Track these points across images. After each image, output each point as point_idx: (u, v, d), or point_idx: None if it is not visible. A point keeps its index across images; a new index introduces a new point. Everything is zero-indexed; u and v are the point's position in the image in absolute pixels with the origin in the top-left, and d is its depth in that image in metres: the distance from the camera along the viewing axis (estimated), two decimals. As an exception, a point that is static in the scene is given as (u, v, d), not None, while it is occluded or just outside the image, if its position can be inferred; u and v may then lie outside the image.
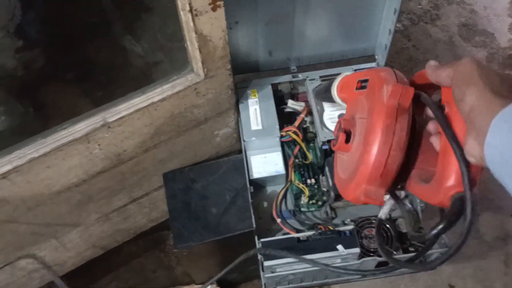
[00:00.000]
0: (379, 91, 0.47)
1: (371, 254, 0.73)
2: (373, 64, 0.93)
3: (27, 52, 1.23)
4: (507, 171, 0.34)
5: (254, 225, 0.78)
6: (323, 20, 0.86)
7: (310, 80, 0.91)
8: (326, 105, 0.84)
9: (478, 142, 0.36)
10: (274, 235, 0.79)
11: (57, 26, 1.23)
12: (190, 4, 0.62)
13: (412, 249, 0.77)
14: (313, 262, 0.67)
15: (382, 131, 0.45)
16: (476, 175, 0.40)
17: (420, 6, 1.59)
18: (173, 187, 0.89)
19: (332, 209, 0.84)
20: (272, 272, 0.72)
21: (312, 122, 0.90)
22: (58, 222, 0.84)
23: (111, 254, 1.08)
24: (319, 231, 0.71)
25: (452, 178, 0.42)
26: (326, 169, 0.82)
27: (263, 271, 0.72)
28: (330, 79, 0.82)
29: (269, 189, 0.88)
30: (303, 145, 0.87)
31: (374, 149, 0.46)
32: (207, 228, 0.85)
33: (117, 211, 0.94)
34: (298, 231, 0.78)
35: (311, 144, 0.90)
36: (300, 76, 0.92)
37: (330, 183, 0.81)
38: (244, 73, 0.93)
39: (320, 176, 0.85)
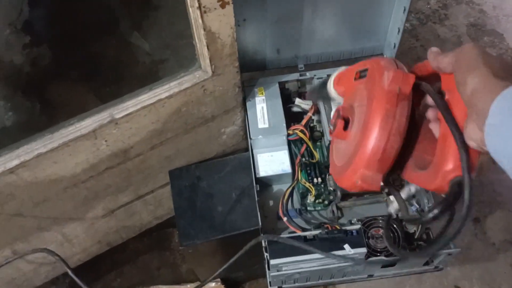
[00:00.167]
0: (380, 78, 0.47)
1: (378, 254, 0.73)
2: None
3: (35, 49, 1.24)
4: (506, 152, 0.34)
5: (260, 224, 0.78)
6: (331, 18, 0.86)
7: (317, 78, 0.90)
8: (334, 104, 0.84)
9: (479, 126, 0.37)
10: (279, 234, 0.79)
11: (64, 23, 1.24)
12: (199, 0, 0.62)
13: (419, 250, 0.77)
14: (325, 255, 0.66)
15: (382, 116, 0.46)
16: (474, 160, 0.41)
17: (428, 6, 1.57)
18: (179, 185, 0.89)
19: (339, 208, 0.83)
20: (278, 271, 0.72)
21: (319, 121, 0.89)
22: (64, 217, 0.85)
23: (116, 251, 1.08)
24: (326, 230, 0.71)
25: (450, 163, 0.42)
26: (333, 168, 0.82)
27: (269, 269, 0.71)
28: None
29: (275, 187, 0.88)
30: (310, 144, 0.86)
31: (374, 133, 0.46)
32: (213, 226, 0.84)
33: (123, 208, 0.94)
34: (304, 230, 0.77)
35: (318, 143, 0.89)
36: (308, 74, 0.92)
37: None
38: (252, 71, 0.92)
39: (327, 175, 0.85)
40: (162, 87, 0.74)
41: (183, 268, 1.13)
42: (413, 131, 0.49)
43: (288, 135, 0.86)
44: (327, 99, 0.68)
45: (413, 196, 0.82)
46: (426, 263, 0.79)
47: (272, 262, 0.69)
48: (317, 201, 0.83)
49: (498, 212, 1.19)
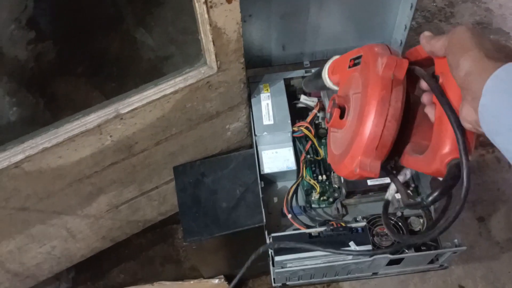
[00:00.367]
0: (374, 64, 0.47)
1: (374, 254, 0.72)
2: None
3: (39, 44, 1.24)
4: (499, 132, 0.34)
5: (265, 221, 0.77)
6: (337, 14, 0.85)
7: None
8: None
9: (473, 107, 0.37)
10: (283, 231, 0.79)
11: (69, 18, 1.23)
12: (205, -5, 0.62)
13: (424, 248, 0.76)
14: (333, 252, 0.66)
15: (378, 102, 0.46)
16: (471, 142, 0.41)
17: (434, 4, 1.56)
18: (183, 181, 0.89)
19: (343, 206, 0.83)
20: (283, 268, 0.72)
21: (324, 118, 0.89)
22: (68, 212, 0.85)
23: (120, 246, 1.08)
24: (331, 227, 0.71)
25: (447, 145, 0.42)
26: (338, 165, 0.82)
27: (273, 266, 0.71)
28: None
29: (280, 184, 0.88)
30: (315, 141, 0.86)
31: (370, 120, 0.46)
32: (217, 223, 0.84)
33: (127, 204, 0.94)
34: (308, 227, 0.77)
35: (323, 140, 0.89)
36: (313, 71, 0.91)
37: (342, 180, 0.80)
38: (257, 67, 0.92)
39: (332, 172, 0.84)
40: (167, 82, 0.74)
41: (187, 264, 1.13)
42: (409, 117, 0.49)
43: (293, 132, 0.85)
44: (323, 89, 0.68)
45: (409, 183, 0.82)
46: (431, 262, 0.79)
47: (277, 258, 0.69)
48: (321, 198, 0.83)
49: (503, 211, 1.18)
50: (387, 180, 0.79)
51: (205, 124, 0.87)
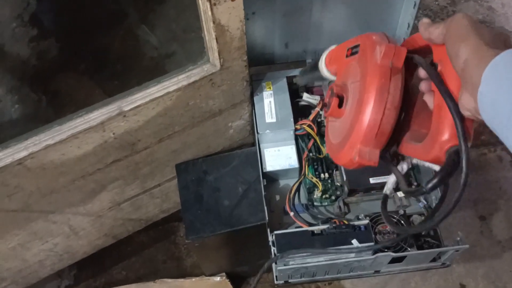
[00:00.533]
0: (372, 52, 0.47)
1: (386, 249, 0.72)
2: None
3: (42, 41, 1.24)
4: (498, 119, 0.34)
5: (267, 218, 0.78)
6: (340, 12, 0.85)
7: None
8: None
9: (472, 95, 0.37)
10: (286, 229, 0.79)
11: (72, 16, 1.23)
12: (209, -8, 0.62)
13: (427, 246, 0.76)
14: (338, 250, 0.66)
15: (377, 90, 0.46)
16: (470, 129, 0.41)
17: (437, 3, 1.56)
18: (186, 178, 0.89)
19: (345, 204, 0.83)
20: (285, 265, 0.72)
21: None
22: (71, 209, 0.85)
23: (122, 244, 1.09)
24: (334, 225, 0.71)
25: (446, 133, 0.42)
26: (341, 163, 0.82)
27: (276, 263, 0.71)
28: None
29: (282, 182, 0.88)
30: (317, 139, 0.86)
31: (369, 108, 0.46)
32: (219, 220, 0.84)
33: (130, 201, 0.94)
34: (310, 225, 0.77)
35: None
36: (309, 62, 0.91)
37: (344, 178, 0.80)
38: (260, 65, 0.92)
39: (334, 170, 0.85)
40: (170, 80, 0.74)
41: (188, 261, 1.13)
42: (408, 105, 0.49)
43: (296, 129, 0.85)
44: (319, 80, 0.68)
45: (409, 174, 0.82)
46: (433, 260, 0.79)
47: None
48: (324, 196, 0.83)
49: (504, 210, 1.18)
50: (390, 178, 0.79)
51: (208, 121, 0.87)
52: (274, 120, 0.85)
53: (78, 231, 0.92)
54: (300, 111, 0.89)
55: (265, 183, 0.81)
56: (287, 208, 0.80)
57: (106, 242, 1.03)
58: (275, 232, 0.72)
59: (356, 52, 0.52)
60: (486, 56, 0.36)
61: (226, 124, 0.91)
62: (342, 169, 0.81)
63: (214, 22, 0.66)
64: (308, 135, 0.87)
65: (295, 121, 0.85)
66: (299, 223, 0.78)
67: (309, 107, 0.90)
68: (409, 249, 0.74)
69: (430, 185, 0.43)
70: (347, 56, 0.55)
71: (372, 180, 0.78)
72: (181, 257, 1.13)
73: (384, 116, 0.46)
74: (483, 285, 1.09)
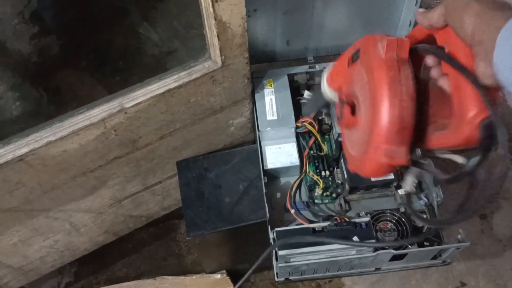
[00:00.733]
0: (374, 50, 0.45)
1: (386, 247, 0.72)
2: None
3: (43, 38, 1.24)
4: None
5: (268, 216, 0.78)
6: (342, 10, 0.85)
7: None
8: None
9: (488, 61, 0.36)
10: (286, 226, 0.79)
11: (72, 12, 1.23)
12: (210, -11, 0.62)
13: (427, 244, 0.76)
14: (345, 244, 0.65)
15: (388, 84, 0.43)
16: (495, 97, 0.39)
17: (437, 1, 1.56)
18: (187, 176, 0.89)
19: (346, 201, 0.83)
20: (286, 262, 0.72)
21: (328, 114, 0.89)
22: (72, 206, 0.85)
23: (123, 241, 1.09)
24: (335, 222, 0.71)
25: (472, 107, 0.40)
26: (342, 161, 0.82)
27: (276, 260, 0.71)
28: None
29: (283, 180, 0.88)
30: (318, 136, 0.86)
31: (385, 104, 0.43)
32: (220, 217, 0.84)
33: (131, 198, 0.94)
34: (311, 222, 0.77)
35: (326, 136, 0.89)
36: (317, 67, 0.91)
37: (345, 176, 0.80)
38: (261, 63, 0.92)
39: (335, 168, 0.85)
40: (171, 77, 0.74)
41: (189, 259, 1.13)
42: (422, 99, 0.47)
43: (297, 127, 0.85)
44: (325, 106, 0.66)
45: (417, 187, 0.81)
46: (434, 257, 0.79)
47: (281, 253, 0.69)
48: (324, 194, 0.83)
49: (505, 209, 1.18)
50: (390, 176, 0.79)
51: (209, 119, 0.87)
52: (275, 117, 0.85)
53: (79, 228, 0.92)
54: (301, 109, 0.89)
55: (266, 181, 0.81)
56: (288, 206, 0.80)
57: (107, 239, 1.03)
58: (276, 229, 0.72)
59: (357, 58, 0.50)
60: (493, 20, 0.35)
61: (227, 121, 0.91)
62: (343, 166, 0.81)
63: (215, 19, 0.66)
64: (309, 133, 0.87)
65: (296, 119, 0.85)
66: (300, 221, 0.78)
67: (310, 105, 0.90)
68: (410, 246, 0.74)
69: (473, 162, 0.41)
70: (349, 65, 0.52)
71: (373, 178, 0.78)
72: (182, 255, 1.13)
73: (402, 108, 0.43)
74: (483, 283, 1.09)
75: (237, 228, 0.84)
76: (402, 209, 0.79)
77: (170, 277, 1.07)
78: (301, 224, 0.77)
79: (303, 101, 0.87)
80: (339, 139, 0.81)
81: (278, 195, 0.86)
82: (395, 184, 0.80)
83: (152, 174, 0.92)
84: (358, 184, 0.79)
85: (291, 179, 0.85)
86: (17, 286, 0.98)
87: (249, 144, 0.97)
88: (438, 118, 0.47)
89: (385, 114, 0.43)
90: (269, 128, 0.84)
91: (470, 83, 0.39)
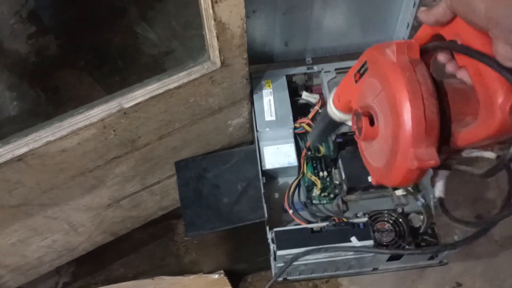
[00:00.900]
0: (384, 56, 0.44)
1: (384, 247, 0.73)
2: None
3: (40, 38, 1.24)
4: None
5: (266, 216, 0.78)
6: (341, 11, 0.85)
7: (325, 72, 0.90)
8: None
9: (507, 41, 0.35)
10: (285, 226, 0.79)
11: (70, 12, 1.23)
12: (210, -10, 0.62)
13: (424, 244, 0.77)
14: (345, 248, 0.66)
15: (407, 85, 0.42)
16: None
17: (434, 3, 1.57)
18: (185, 175, 0.89)
19: (344, 202, 0.84)
20: (284, 262, 0.72)
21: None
22: (71, 206, 0.85)
23: (121, 241, 1.09)
24: (333, 222, 0.71)
25: (500, 92, 0.38)
26: (339, 162, 0.82)
27: (275, 260, 0.72)
28: (345, 71, 0.82)
29: (281, 180, 0.88)
30: (316, 137, 0.86)
31: (407, 106, 0.41)
32: (218, 217, 0.85)
33: (129, 198, 0.94)
34: (309, 222, 0.78)
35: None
36: (315, 68, 0.92)
37: (343, 176, 0.81)
38: (259, 63, 0.92)
39: (333, 169, 0.85)
40: (170, 77, 0.74)
41: (187, 259, 1.13)
42: (440, 99, 0.45)
43: (295, 128, 0.86)
44: (333, 130, 0.65)
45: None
46: (431, 258, 0.80)
47: (279, 253, 0.69)
48: (322, 194, 0.83)
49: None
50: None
51: (208, 119, 0.87)
52: (273, 118, 0.86)
53: (78, 228, 0.92)
54: (299, 110, 0.90)
55: (264, 181, 0.82)
56: (286, 206, 0.80)
57: (105, 239, 1.03)
58: (275, 229, 0.72)
59: (366, 70, 0.48)
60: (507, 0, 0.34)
61: (225, 122, 0.91)
62: (341, 167, 0.82)
63: (215, 20, 0.67)
64: (307, 134, 0.87)
65: (295, 120, 0.86)
66: (298, 221, 0.78)
67: (309, 106, 0.91)
68: (407, 246, 0.75)
69: (510, 153, 0.40)
70: (356, 81, 0.51)
71: (370, 178, 0.79)
72: (180, 255, 1.13)
73: (425, 108, 0.41)
74: (479, 283, 1.09)
75: (236, 228, 0.84)
76: (399, 210, 0.80)
77: (168, 277, 1.07)
78: (299, 224, 0.77)
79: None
80: (337, 139, 0.82)
81: (277, 195, 0.86)
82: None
83: (151, 174, 0.92)
84: (355, 184, 0.80)
85: (289, 180, 0.85)
86: (15, 286, 0.98)
87: (248, 145, 0.97)
88: (460, 116, 0.45)
89: (408, 116, 0.41)
90: (267, 129, 0.84)
91: (493, 69, 0.38)
